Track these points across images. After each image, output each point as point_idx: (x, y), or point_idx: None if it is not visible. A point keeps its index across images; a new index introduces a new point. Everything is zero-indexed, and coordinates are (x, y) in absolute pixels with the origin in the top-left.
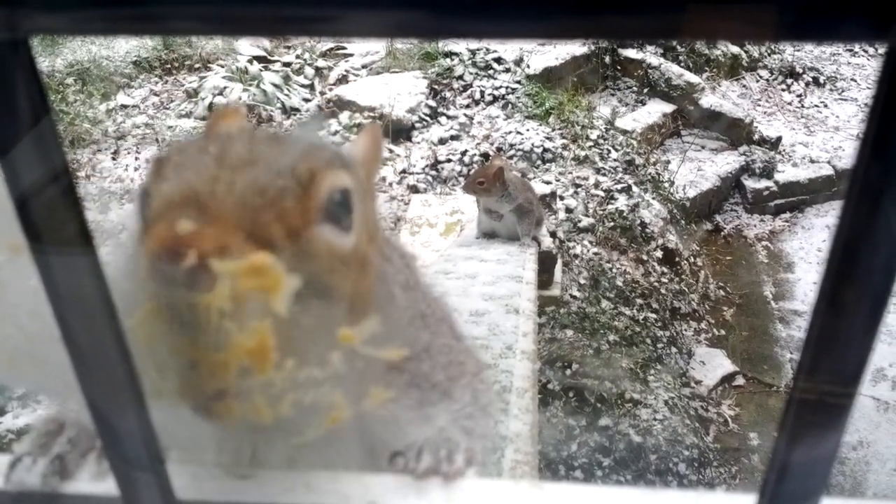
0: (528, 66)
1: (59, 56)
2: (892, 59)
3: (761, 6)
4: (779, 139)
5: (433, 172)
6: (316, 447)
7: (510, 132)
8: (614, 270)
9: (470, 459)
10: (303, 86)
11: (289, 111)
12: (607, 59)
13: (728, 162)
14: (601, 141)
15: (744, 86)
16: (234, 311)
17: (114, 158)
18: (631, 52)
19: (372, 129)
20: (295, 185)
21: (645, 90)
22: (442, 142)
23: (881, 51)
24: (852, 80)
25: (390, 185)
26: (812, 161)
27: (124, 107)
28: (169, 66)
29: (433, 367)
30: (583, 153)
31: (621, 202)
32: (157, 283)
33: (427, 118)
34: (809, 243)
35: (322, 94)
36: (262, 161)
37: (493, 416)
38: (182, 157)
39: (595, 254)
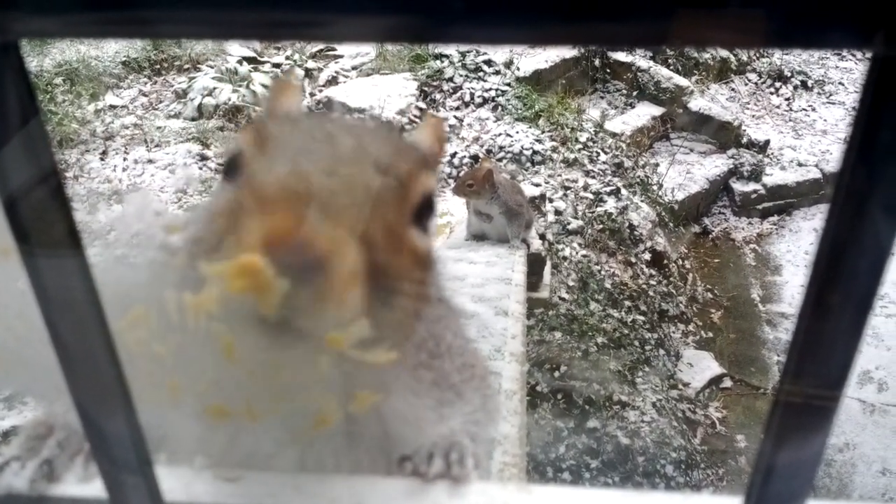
0: (518, 69)
1: (47, 56)
2: (877, 66)
3: (748, 14)
4: (767, 142)
5: None
6: (331, 447)
7: (500, 134)
8: (603, 273)
9: (477, 464)
10: None
11: None
12: (597, 62)
13: (716, 165)
14: (590, 143)
15: (732, 89)
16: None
17: (102, 159)
18: (620, 56)
19: (436, 124)
20: (397, 185)
21: (634, 93)
22: None
23: (868, 55)
24: (840, 83)
25: None
26: (800, 164)
27: (113, 107)
28: (158, 66)
29: (452, 368)
30: (572, 156)
31: (610, 205)
32: (262, 271)
33: (417, 120)
34: (797, 246)
35: (312, 95)
36: (368, 156)
37: (496, 422)
38: (287, 137)
39: (584, 256)
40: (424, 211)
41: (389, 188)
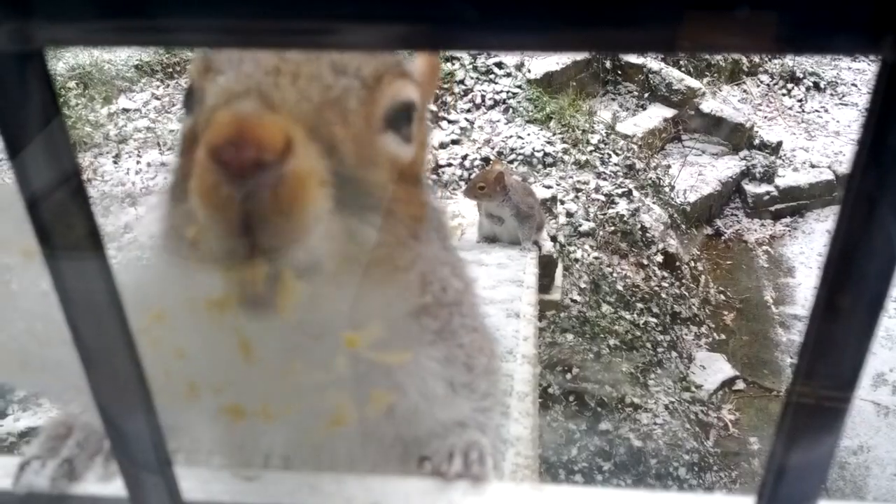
0: (529, 71)
1: (61, 60)
2: (886, 70)
3: (757, 20)
4: (779, 144)
5: (434, 177)
6: (343, 439)
7: (511, 136)
8: (615, 275)
9: (496, 462)
10: None
11: None
12: (608, 64)
13: (729, 166)
14: (602, 145)
15: (744, 91)
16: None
17: (115, 162)
18: (632, 58)
19: (430, 56)
20: (360, 87)
21: (646, 95)
22: (443, 146)
23: (877, 59)
24: (853, 85)
25: None
26: (812, 166)
27: (126, 110)
28: (171, 70)
29: (461, 325)
30: (583, 158)
31: (622, 207)
32: (216, 183)
33: (428, 123)
34: (810, 248)
35: None
36: (324, 58)
37: (502, 413)
38: (235, 53)
39: (596, 258)
40: (400, 117)
41: (350, 90)
